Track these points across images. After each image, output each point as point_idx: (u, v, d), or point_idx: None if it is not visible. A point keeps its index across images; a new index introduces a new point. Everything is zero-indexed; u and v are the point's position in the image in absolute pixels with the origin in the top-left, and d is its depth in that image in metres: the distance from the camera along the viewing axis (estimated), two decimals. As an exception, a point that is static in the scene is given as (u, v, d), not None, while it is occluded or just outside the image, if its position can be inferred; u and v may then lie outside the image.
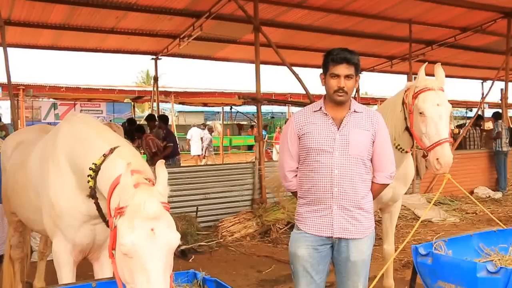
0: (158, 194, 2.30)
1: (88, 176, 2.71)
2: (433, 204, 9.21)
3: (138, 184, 2.34)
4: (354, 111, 3.09)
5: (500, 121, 11.98)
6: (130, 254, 2.16)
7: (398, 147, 4.12)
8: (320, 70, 3.13)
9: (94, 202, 2.77)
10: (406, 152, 4.22)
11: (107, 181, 2.55)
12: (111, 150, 2.70)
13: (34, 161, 3.37)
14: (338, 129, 3.04)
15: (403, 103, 4.03)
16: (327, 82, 3.04)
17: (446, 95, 3.84)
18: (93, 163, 2.69)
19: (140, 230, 2.17)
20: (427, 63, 3.93)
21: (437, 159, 3.64)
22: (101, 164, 2.67)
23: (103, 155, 2.69)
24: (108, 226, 2.70)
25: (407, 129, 4.05)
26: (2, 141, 4.59)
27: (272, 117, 33.30)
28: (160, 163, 2.42)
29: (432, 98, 3.73)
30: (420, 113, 3.75)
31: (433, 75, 3.89)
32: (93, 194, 2.71)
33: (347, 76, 2.98)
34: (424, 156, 3.81)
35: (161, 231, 2.21)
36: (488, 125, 12.98)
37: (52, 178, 3.01)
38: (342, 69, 2.97)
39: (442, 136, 3.66)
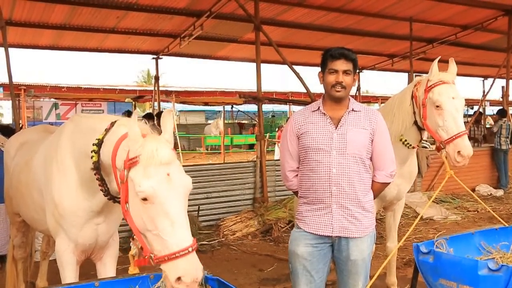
0: (166, 142, 2.38)
1: (91, 152, 2.71)
2: (435, 202, 9.27)
3: (145, 134, 2.40)
4: (353, 110, 3.10)
5: (504, 119, 11.97)
6: (151, 200, 2.23)
7: (405, 142, 4.14)
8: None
9: (97, 178, 2.74)
10: (413, 147, 4.23)
11: (110, 147, 2.58)
12: (112, 124, 2.74)
13: (38, 161, 3.38)
14: (336, 128, 3.05)
15: (412, 97, 4.04)
16: (326, 78, 3.06)
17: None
18: (96, 139, 2.72)
19: (157, 175, 2.25)
20: (440, 57, 3.97)
21: (459, 151, 3.67)
22: (103, 137, 2.71)
23: (105, 129, 2.73)
24: (114, 201, 2.76)
25: (415, 123, 4.06)
26: (6, 139, 4.59)
27: (273, 116, 33.27)
28: (167, 112, 2.49)
29: (447, 91, 3.77)
30: (437, 106, 3.77)
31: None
32: (97, 166, 2.71)
33: (345, 72, 3.00)
34: (439, 149, 3.82)
35: (176, 175, 2.30)
36: (491, 122, 12.99)
37: (56, 178, 3.02)
38: (340, 64, 3.00)
39: (460, 129, 3.71)
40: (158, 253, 2.25)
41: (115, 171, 2.51)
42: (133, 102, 22.71)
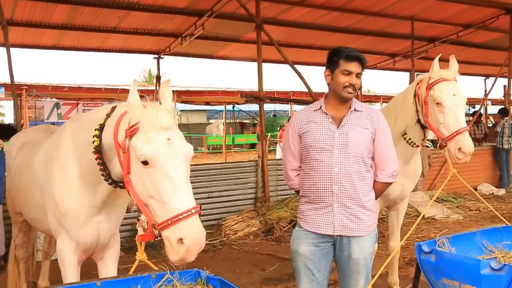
0: (166, 110, 2.41)
1: (93, 137, 2.71)
2: (437, 201, 9.27)
3: (146, 106, 2.43)
4: (355, 110, 3.11)
5: (506, 118, 11.95)
6: (152, 164, 2.25)
7: (410, 141, 4.14)
8: (323, 68, 3.14)
9: (98, 163, 2.73)
10: (417, 146, 4.22)
11: (112, 126, 2.59)
12: (113, 108, 2.75)
13: (39, 161, 3.37)
14: (338, 127, 3.06)
15: (415, 95, 4.04)
16: (337, 78, 3.05)
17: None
18: (98, 124, 2.73)
19: (158, 140, 2.28)
20: (440, 54, 3.97)
21: (459, 148, 3.66)
22: (105, 121, 2.72)
23: (106, 115, 2.74)
24: (115, 186, 2.75)
25: (418, 121, 4.06)
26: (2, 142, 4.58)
27: (275, 115, 33.27)
28: (166, 83, 2.52)
29: (448, 88, 3.76)
30: (438, 103, 3.77)
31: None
32: (98, 150, 2.71)
33: (358, 75, 3.03)
34: (442, 147, 3.82)
35: (177, 140, 2.34)
36: (493, 121, 12.97)
37: (57, 177, 3.02)
38: (355, 67, 3.02)
39: (461, 125, 3.69)
40: (161, 220, 2.24)
41: (117, 147, 2.51)
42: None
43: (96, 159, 2.72)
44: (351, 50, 3.06)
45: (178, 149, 2.32)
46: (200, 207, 2.32)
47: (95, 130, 2.72)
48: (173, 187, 2.24)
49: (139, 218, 2.41)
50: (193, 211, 2.22)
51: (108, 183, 2.77)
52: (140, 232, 2.42)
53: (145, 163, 2.28)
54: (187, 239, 2.17)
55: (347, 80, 3.01)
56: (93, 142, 2.71)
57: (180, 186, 2.25)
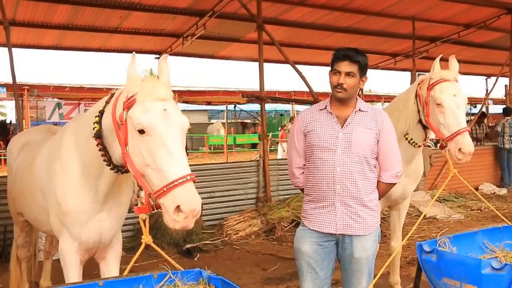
0: (164, 84, 2.47)
1: (94, 123, 2.74)
2: (438, 201, 9.26)
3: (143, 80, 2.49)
4: (359, 110, 3.12)
5: (507, 117, 11.93)
6: (148, 132, 2.31)
7: (411, 141, 4.15)
8: (324, 68, 3.16)
9: (100, 149, 2.74)
10: (419, 146, 4.23)
11: (110, 110, 2.63)
12: (112, 95, 2.78)
13: (41, 162, 3.37)
14: (342, 127, 3.07)
15: (416, 95, 4.05)
16: (330, 78, 3.10)
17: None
18: (98, 111, 2.77)
19: (154, 109, 2.34)
20: (441, 55, 3.98)
21: (459, 149, 3.67)
22: (104, 108, 2.75)
23: (105, 102, 2.78)
24: (117, 171, 2.78)
25: (420, 122, 4.07)
26: None
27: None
28: (163, 58, 2.60)
29: (448, 88, 3.76)
30: (438, 104, 3.77)
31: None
32: (98, 134, 2.73)
33: (348, 74, 3.02)
34: (442, 147, 3.83)
35: (173, 111, 2.39)
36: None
37: (59, 177, 3.02)
38: (344, 66, 3.01)
39: (461, 126, 3.70)
40: (157, 188, 2.28)
41: (115, 123, 2.54)
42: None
43: (97, 145, 2.74)
44: (344, 49, 3.06)
45: (174, 119, 2.38)
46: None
47: (95, 117, 2.76)
48: (168, 154, 2.29)
49: (139, 195, 2.44)
50: (188, 177, 2.25)
51: (110, 168, 2.79)
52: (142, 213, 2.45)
53: (141, 131, 2.34)
54: (184, 205, 2.21)
55: (336, 80, 3.04)
56: (93, 129, 2.74)
57: (176, 154, 2.30)
